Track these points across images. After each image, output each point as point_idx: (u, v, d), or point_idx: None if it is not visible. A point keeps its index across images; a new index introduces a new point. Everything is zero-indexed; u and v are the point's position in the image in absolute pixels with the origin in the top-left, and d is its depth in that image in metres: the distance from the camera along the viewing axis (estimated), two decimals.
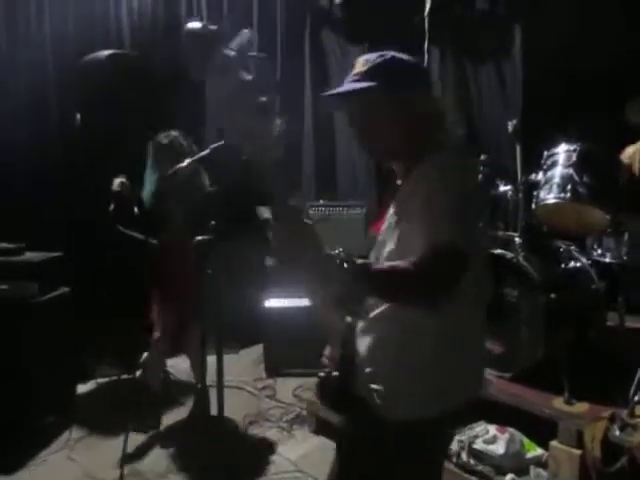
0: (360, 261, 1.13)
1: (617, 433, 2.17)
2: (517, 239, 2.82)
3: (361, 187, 4.58)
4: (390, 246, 1.32)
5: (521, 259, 2.64)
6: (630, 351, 2.51)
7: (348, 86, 1.32)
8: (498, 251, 2.72)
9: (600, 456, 2.14)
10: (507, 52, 3.74)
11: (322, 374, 1.40)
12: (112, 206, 2.92)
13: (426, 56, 4.08)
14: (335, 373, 1.38)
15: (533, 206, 2.73)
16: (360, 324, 1.37)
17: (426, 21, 4.01)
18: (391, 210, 1.39)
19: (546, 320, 2.52)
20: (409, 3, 4.17)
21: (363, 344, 1.35)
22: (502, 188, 2.91)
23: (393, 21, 4.37)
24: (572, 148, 2.61)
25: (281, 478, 2.63)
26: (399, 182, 1.39)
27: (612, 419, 2.23)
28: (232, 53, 1.13)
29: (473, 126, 3.97)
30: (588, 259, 2.77)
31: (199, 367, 3.00)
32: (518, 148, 2.85)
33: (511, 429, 2.46)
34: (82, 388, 3.46)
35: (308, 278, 1.18)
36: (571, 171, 2.55)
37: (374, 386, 1.29)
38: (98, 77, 3.26)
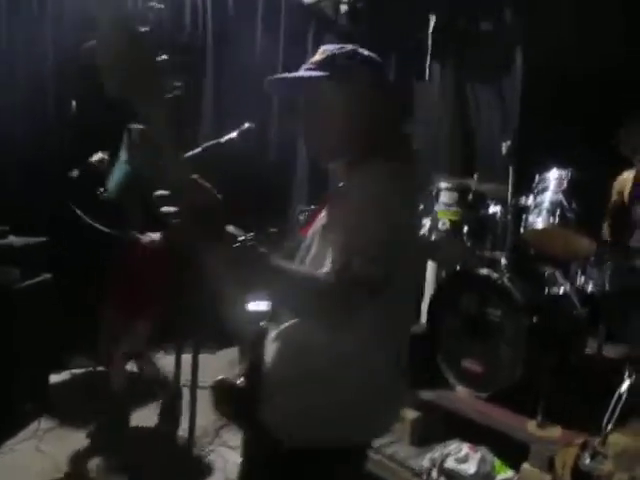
0: (263, 250, 1.02)
1: (588, 461, 2.18)
2: (503, 260, 2.83)
3: None
4: (314, 250, 1.22)
5: (506, 280, 2.66)
6: (606, 379, 2.53)
7: (299, 73, 1.25)
8: (484, 271, 2.74)
9: None
10: (507, 73, 3.78)
11: (220, 378, 1.28)
12: (76, 172, 2.80)
13: (427, 72, 4.11)
14: (240, 380, 1.25)
15: (522, 229, 2.74)
16: (272, 331, 1.26)
17: (429, 38, 4.05)
18: (324, 212, 1.28)
19: (527, 342, 2.53)
20: (414, 18, 4.20)
21: (270, 354, 1.23)
22: (492, 209, 2.92)
23: (397, 35, 4.41)
24: (563, 174, 2.64)
25: None
26: (340, 184, 1.31)
27: (584, 446, 2.24)
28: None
29: (470, 144, 4.00)
30: (571, 285, 2.80)
31: (150, 368, 2.93)
32: (511, 170, 2.86)
33: (483, 449, 2.46)
34: (56, 378, 3.41)
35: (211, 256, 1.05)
36: (561, 197, 2.58)
37: (271, 402, 1.19)
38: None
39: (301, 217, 4.04)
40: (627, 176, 3.04)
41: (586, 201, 2.56)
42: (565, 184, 2.60)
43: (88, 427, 2.84)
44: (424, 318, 3.11)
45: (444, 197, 2.93)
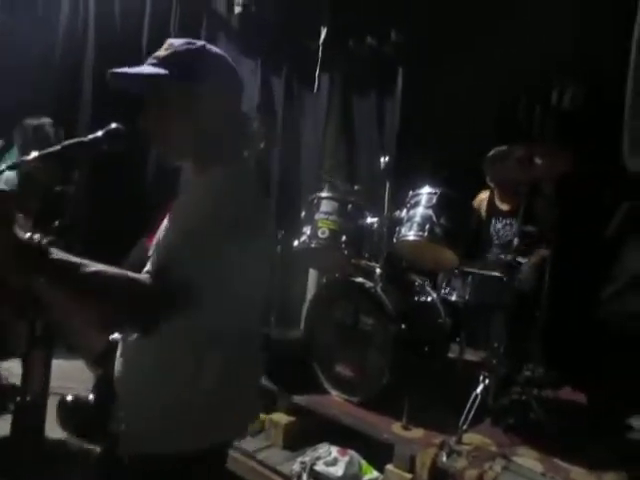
0: (57, 254, 0.97)
1: (444, 459, 2.34)
2: (378, 270, 2.96)
3: None
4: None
5: (379, 289, 2.78)
6: (466, 382, 2.73)
7: (139, 69, 1.19)
8: (359, 280, 2.84)
9: None
10: (389, 92, 3.95)
11: (68, 396, 1.22)
12: None
13: (317, 82, 4.20)
14: (89, 396, 1.22)
15: (394, 240, 2.88)
16: (121, 345, 1.23)
17: (320, 49, 4.15)
18: (167, 218, 1.25)
19: (395, 349, 2.66)
20: (307, 29, 4.28)
21: (119, 367, 1.21)
22: (369, 220, 3.04)
23: (289, 43, 4.46)
24: (434, 191, 2.81)
25: None
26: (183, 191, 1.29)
27: (442, 446, 2.40)
28: None
29: (351, 156, 4.13)
30: (438, 295, 2.99)
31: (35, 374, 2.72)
32: (387, 184, 3.00)
33: (352, 451, 2.54)
34: None
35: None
36: (431, 212, 2.75)
37: (119, 414, 1.17)
38: None
39: None
40: (483, 196, 3.32)
41: (453, 217, 2.76)
42: (435, 200, 2.78)
43: None
44: (302, 324, 3.17)
45: (325, 206, 3.01)
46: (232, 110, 1.23)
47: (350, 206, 3.01)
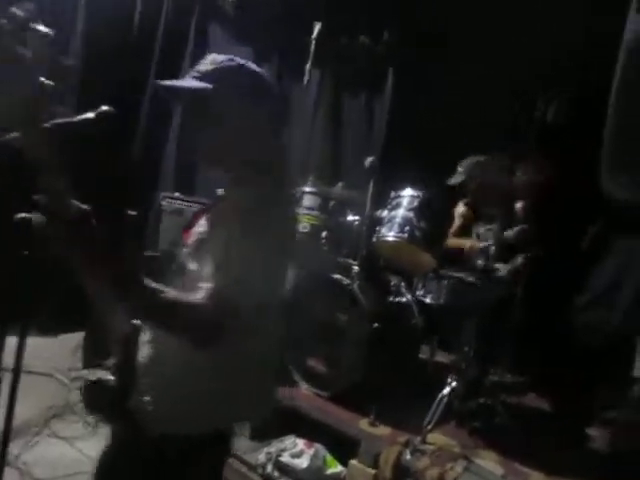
0: (152, 285, 1.07)
1: (408, 457, 2.39)
2: (355, 267, 2.98)
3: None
4: (193, 265, 1.24)
5: (355, 287, 2.80)
6: (436, 383, 2.77)
7: (185, 82, 1.26)
8: (336, 276, 2.86)
9: (390, 477, 2.33)
10: (380, 91, 3.97)
11: (92, 378, 1.27)
12: None
13: (307, 76, 4.19)
14: (110, 378, 1.26)
15: (374, 239, 2.91)
16: (147, 332, 1.29)
17: (313, 43, 4.14)
18: (204, 222, 1.30)
19: (367, 346, 2.70)
20: (301, 22, 4.27)
21: (145, 354, 1.28)
22: (350, 217, 3.07)
23: (282, 35, 4.45)
24: (416, 194, 2.85)
25: (76, 477, 2.46)
26: (221, 192, 1.34)
27: (406, 444, 2.45)
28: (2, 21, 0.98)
29: (338, 152, 4.15)
30: (413, 296, 3.03)
31: None
32: (371, 183, 3.02)
33: (318, 445, 2.57)
34: None
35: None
36: (412, 215, 2.79)
37: (145, 398, 1.23)
38: None
39: (164, 203, 3.92)
40: (462, 210, 3.36)
41: (432, 221, 2.80)
42: (416, 203, 2.81)
43: None
44: None
45: (307, 201, 3.02)
46: (265, 121, 1.29)
47: (333, 202, 3.03)
